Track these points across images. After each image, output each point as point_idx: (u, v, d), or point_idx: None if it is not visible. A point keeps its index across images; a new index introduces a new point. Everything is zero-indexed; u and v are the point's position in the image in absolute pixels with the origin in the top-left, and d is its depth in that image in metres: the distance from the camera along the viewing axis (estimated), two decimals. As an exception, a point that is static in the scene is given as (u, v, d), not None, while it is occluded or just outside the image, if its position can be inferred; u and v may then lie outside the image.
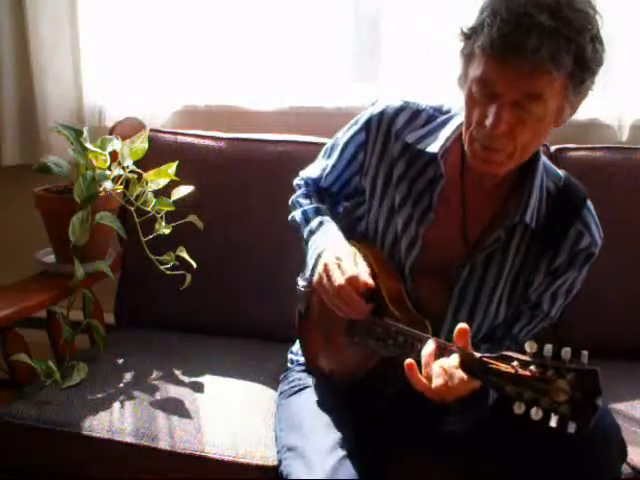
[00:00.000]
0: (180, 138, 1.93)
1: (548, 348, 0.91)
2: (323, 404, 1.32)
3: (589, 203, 1.30)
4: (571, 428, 0.87)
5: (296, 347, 1.50)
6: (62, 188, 1.73)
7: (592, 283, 1.70)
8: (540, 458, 1.15)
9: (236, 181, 1.85)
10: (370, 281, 1.19)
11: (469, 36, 1.15)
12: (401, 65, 1.96)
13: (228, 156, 1.88)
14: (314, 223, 1.39)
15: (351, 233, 1.38)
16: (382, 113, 1.34)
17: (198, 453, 1.37)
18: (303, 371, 1.45)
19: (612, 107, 1.91)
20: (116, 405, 1.48)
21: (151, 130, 1.78)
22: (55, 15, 2.03)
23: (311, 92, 2.03)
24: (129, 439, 1.40)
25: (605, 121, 1.92)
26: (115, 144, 1.65)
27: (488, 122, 1.12)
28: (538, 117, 1.12)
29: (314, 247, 1.32)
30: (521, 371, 0.93)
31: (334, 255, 1.23)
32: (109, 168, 1.64)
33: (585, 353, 0.88)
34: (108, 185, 1.62)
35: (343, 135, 1.42)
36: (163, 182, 1.64)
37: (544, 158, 1.31)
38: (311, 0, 1.99)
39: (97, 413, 1.45)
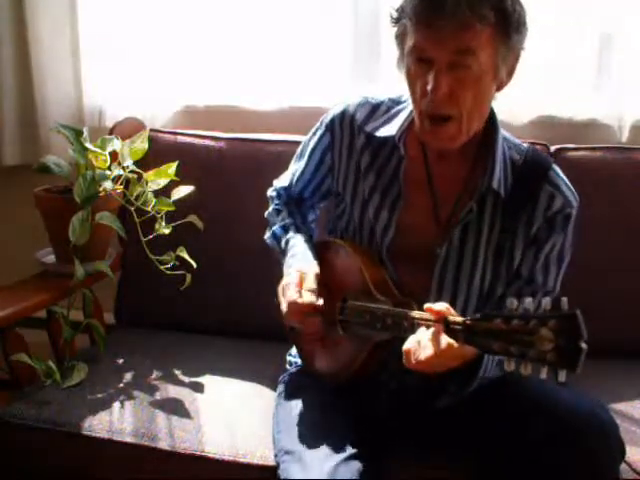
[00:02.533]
0: (180, 138, 1.93)
1: (529, 301, 0.92)
2: (321, 406, 1.32)
3: (556, 167, 1.32)
4: (562, 377, 0.88)
5: (295, 349, 1.50)
6: (62, 188, 1.73)
7: (592, 282, 1.71)
8: (535, 451, 1.15)
9: (236, 181, 1.86)
10: (307, 299, 1.23)
11: (398, 17, 1.22)
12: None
13: (228, 156, 1.88)
14: (282, 244, 1.44)
15: (334, 231, 1.44)
16: (343, 112, 1.39)
17: (198, 453, 1.37)
18: (301, 373, 1.45)
19: (612, 107, 1.91)
20: (116, 405, 1.48)
21: (151, 130, 1.78)
22: (55, 15, 2.03)
23: (311, 92, 2.03)
24: (129, 439, 1.40)
25: (605, 121, 1.92)
26: (115, 144, 1.65)
27: (429, 87, 1.17)
28: (475, 76, 1.16)
29: (286, 262, 1.38)
30: (504, 327, 0.94)
31: (281, 286, 1.30)
32: (109, 168, 1.64)
33: (564, 299, 0.88)
34: (108, 185, 1.62)
35: (309, 140, 1.46)
36: (163, 182, 1.64)
37: (504, 132, 1.34)
38: (311, 0, 1.99)
39: (97, 413, 1.45)
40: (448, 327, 1.04)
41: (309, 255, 1.36)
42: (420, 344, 1.06)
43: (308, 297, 1.24)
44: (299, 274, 1.28)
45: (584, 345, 0.86)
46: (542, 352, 0.89)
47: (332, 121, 1.40)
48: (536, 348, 0.89)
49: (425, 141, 1.28)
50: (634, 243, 1.76)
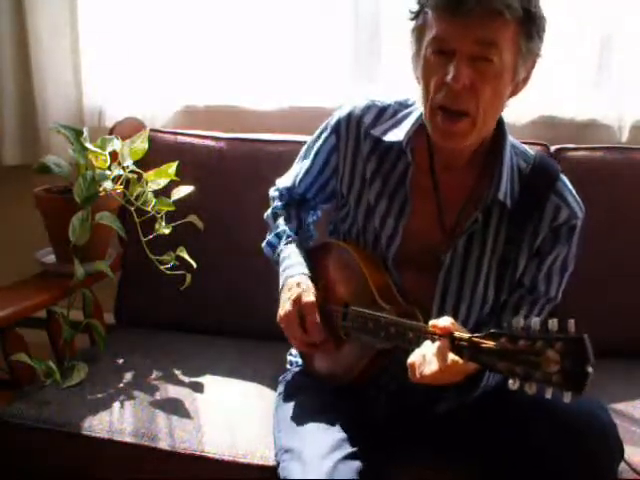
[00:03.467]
0: (180, 138, 1.93)
1: (535, 321, 0.91)
2: (321, 406, 1.32)
3: (563, 177, 1.30)
4: (567, 398, 0.87)
5: (295, 349, 1.50)
6: (62, 188, 1.73)
7: (592, 283, 1.71)
8: (537, 453, 1.15)
9: (236, 181, 1.85)
10: (314, 338, 1.26)
11: (418, 12, 1.20)
12: (401, 65, 1.96)
13: (228, 156, 1.88)
14: (276, 255, 1.44)
15: (334, 233, 1.43)
16: (350, 115, 1.37)
17: (198, 453, 1.37)
18: (302, 373, 1.45)
19: (612, 107, 1.90)
20: (116, 405, 1.48)
21: (151, 130, 1.78)
22: (55, 16, 2.03)
23: (311, 92, 2.03)
24: (129, 439, 1.40)
25: (605, 121, 1.92)
26: (115, 144, 1.66)
27: (449, 77, 1.14)
28: (495, 72, 1.15)
29: (280, 277, 1.38)
30: (510, 346, 0.93)
31: (282, 313, 1.29)
32: (109, 168, 1.64)
33: (572, 322, 0.88)
34: (108, 185, 1.62)
35: (314, 141, 1.44)
36: (163, 182, 1.64)
37: (512, 139, 1.33)
38: (311, 0, 1.99)
39: (97, 413, 1.45)
40: (453, 343, 1.03)
41: (303, 270, 1.35)
42: (425, 358, 1.06)
43: (314, 334, 1.26)
44: (296, 305, 1.27)
45: (590, 369, 0.85)
46: (548, 374, 0.88)
47: (338, 123, 1.38)
48: (542, 369, 0.89)
49: (436, 139, 1.24)
50: (634, 243, 1.76)
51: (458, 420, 1.27)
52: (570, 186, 1.30)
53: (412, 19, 1.22)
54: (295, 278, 1.33)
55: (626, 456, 1.24)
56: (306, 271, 1.34)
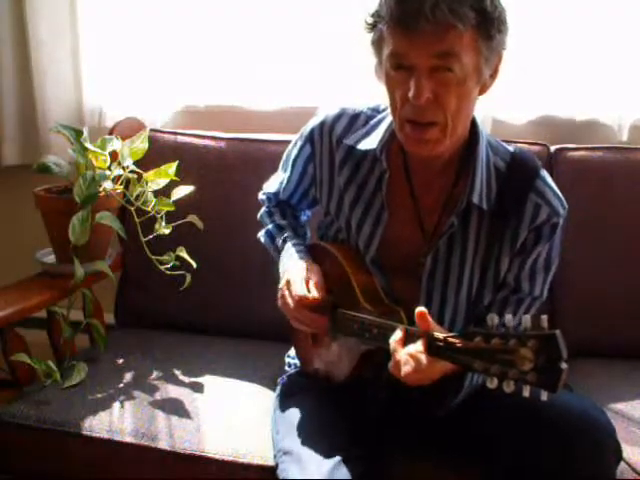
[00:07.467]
0: (180, 138, 1.93)
1: (509, 319, 0.91)
2: (319, 408, 1.32)
3: (543, 172, 1.28)
4: (543, 396, 0.87)
5: (293, 351, 1.50)
6: (62, 188, 1.73)
7: (591, 283, 1.71)
8: (533, 455, 1.15)
9: (236, 181, 1.86)
10: (316, 294, 1.24)
11: (374, 23, 1.18)
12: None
13: (228, 156, 1.89)
14: (279, 242, 1.44)
15: (324, 237, 1.43)
16: (322, 123, 1.36)
17: (198, 453, 1.37)
18: (300, 374, 1.45)
19: (612, 107, 1.90)
20: (116, 405, 1.48)
21: (151, 130, 1.78)
22: (55, 16, 2.03)
23: (311, 92, 2.03)
24: (129, 439, 1.40)
25: (605, 121, 1.92)
26: (115, 144, 1.66)
27: (411, 93, 1.12)
28: (458, 79, 1.12)
29: (280, 268, 1.37)
30: (485, 345, 0.94)
31: (285, 279, 1.29)
32: (109, 168, 1.64)
33: (544, 317, 0.88)
34: (108, 185, 1.62)
35: (291, 150, 1.44)
36: (163, 182, 1.64)
37: (490, 137, 1.31)
38: (311, 0, 2.00)
39: (97, 413, 1.45)
40: (430, 343, 1.04)
41: (308, 254, 1.36)
42: (401, 359, 1.06)
43: (316, 292, 1.24)
44: (304, 268, 1.28)
45: (564, 365, 0.85)
46: (522, 372, 0.88)
47: (311, 132, 1.37)
48: (516, 368, 0.89)
49: (409, 150, 1.24)
50: (633, 243, 1.76)
51: (457, 421, 1.27)
52: (551, 182, 1.27)
53: (368, 32, 1.20)
54: (309, 260, 1.33)
55: (626, 456, 1.24)
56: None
